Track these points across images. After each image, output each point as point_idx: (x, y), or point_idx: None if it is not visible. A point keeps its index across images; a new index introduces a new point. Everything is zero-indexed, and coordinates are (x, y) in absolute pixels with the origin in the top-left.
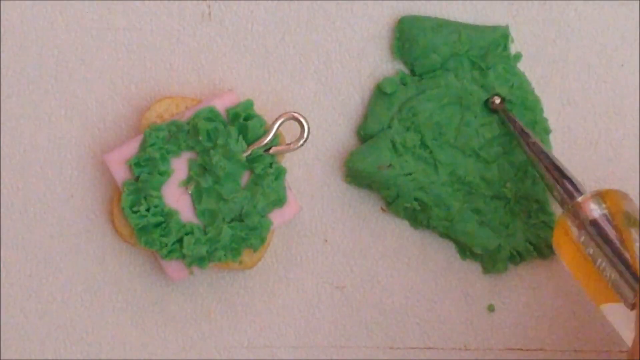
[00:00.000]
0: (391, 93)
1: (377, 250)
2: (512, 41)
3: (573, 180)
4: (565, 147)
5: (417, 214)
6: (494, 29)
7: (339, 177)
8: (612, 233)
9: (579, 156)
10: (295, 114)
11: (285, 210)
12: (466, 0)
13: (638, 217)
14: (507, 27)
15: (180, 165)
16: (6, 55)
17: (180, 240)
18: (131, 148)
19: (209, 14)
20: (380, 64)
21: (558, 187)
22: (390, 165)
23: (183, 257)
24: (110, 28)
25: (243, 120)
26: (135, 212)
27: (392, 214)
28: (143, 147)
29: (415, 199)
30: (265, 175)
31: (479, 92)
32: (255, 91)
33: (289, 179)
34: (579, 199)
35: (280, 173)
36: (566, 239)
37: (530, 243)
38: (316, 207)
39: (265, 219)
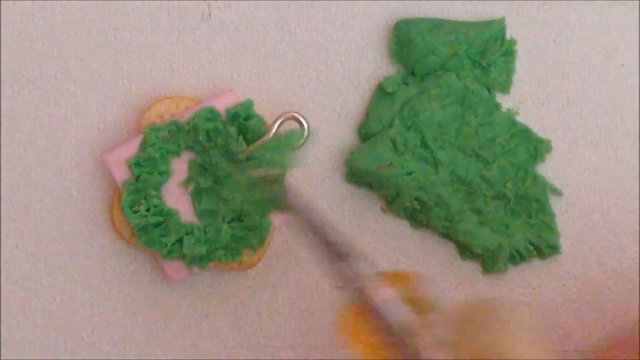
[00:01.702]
0: (392, 92)
1: (377, 250)
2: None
3: (363, 259)
4: (565, 147)
5: (417, 214)
6: (490, 23)
7: (339, 177)
8: (402, 316)
9: (579, 156)
10: (295, 114)
11: None
12: (466, 0)
13: (428, 301)
14: (503, 19)
15: (180, 165)
16: (6, 55)
17: (180, 240)
18: (131, 148)
19: (209, 14)
20: (380, 63)
21: (345, 266)
22: (390, 164)
23: (183, 257)
24: (110, 28)
25: (243, 120)
26: (135, 212)
27: (392, 214)
28: (143, 147)
29: (416, 199)
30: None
31: (481, 90)
32: (255, 91)
33: (289, 178)
34: (371, 281)
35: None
36: (356, 324)
37: (530, 243)
38: (316, 207)
39: (265, 219)
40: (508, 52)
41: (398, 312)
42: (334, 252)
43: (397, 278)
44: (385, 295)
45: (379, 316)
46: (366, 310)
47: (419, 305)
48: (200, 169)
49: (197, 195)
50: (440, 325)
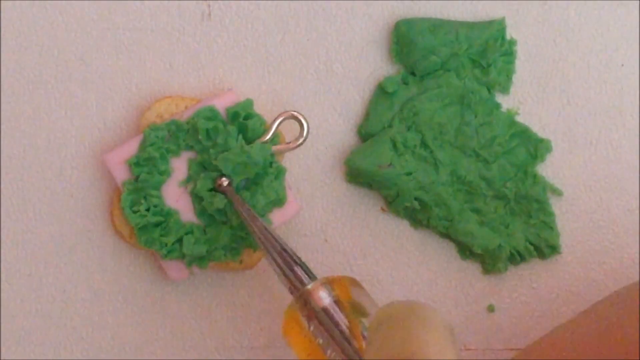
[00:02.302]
0: (393, 92)
1: (377, 250)
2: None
3: (303, 266)
4: (565, 147)
5: (417, 214)
6: (490, 23)
7: (339, 177)
8: (342, 321)
9: (579, 156)
10: (295, 113)
11: (285, 210)
12: (466, 0)
13: (366, 306)
14: (503, 19)
15: (180, 165)
16: (6, 55)
17: (180, 240)
18: (131, 148)
19: (209, 14)
20: (380, 63)
21: (288, 272)
22: (390, 164)
23: (183, 256)
24: (110, 28)
25: (243, 119)
26: (135, 212)
27: (392, 214)
28: (143, 146)
29: (416, 199)
30: (265, 174)
31: (481, 90)
32: (255, 91)
33: (289, 178)
34: (309, 286)
35: (280, 173)
36: (297, 329)
37: (530, 243)
38: (316, 207)
39: (265, 218)
40: (508, 52)
41: (335, 315)
42: (280, 258)
43: (332, 282)
44: (323, 300)
45: (317, 319)
46: (306, 314)
47: (352, 308)
48: (200, 168)
49: (196, 194)
50: (365, 328)
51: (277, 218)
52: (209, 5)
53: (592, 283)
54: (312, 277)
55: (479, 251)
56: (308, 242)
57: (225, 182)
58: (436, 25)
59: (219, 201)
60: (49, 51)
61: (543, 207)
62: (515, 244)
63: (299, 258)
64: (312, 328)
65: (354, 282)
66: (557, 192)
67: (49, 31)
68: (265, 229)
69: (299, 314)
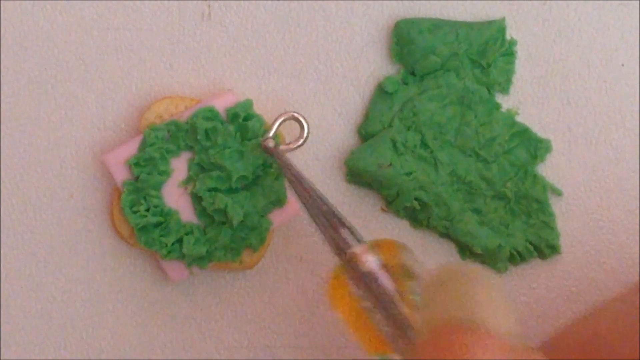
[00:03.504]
0: (392, 92)
1: None
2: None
3: (351, 229)
4: (565, 147)
5: (417, 214)
6: (490, 23)
7: (339, 177)
8: (388, 285)
9: (579, 156)
10: (295, 114)
11: (285, 210)
12: (466, 0)
13: (414, 269)
14: (503, 19)
15: (179, 165)
16: (6, 55)
17: (180, 240)
18: (131, 148)
19: (209, 14)
20: (380, 63)
21: (334, 235)
22: (390, 164)
23: (183, 257)
24: (110, 28)
25: (242, 120)
26: (135, 212)
27: (392, 214)
28: (142, 147)
29: (416, 199)
30: (265, 175)
31: (481, 90)
32: (255, 91)
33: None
34: (356, 249)
35: (280, 173)
36: (342, 291)
37: (530, 243)
38: None
39: (265, 219)
40: (508, 52)
41: (381, 279)
42: (325, 220)
43: (380, 246)
44: (369, 263)
45: (363, 283)
46: (352, 277)
47: (400, 272)
48: (199, 168)
49: (196, 194)
50: (416, 291)
51: (277, 218)
52: (209, 5)
53: (592, 283)
54: (359, 240)
55: (479, 251)
56: (308, 242)
57: (271, 142)
58: (436, 25)
59: (219, 201)
60: (49, 51)
61: (543, 207)
62: (515, 244)
63: (348, 220)
64: (358, 291)
65: (403, 247)
66: (557, 192)
67: (49, 31)
68: (313, 189)
69: (345, 277)
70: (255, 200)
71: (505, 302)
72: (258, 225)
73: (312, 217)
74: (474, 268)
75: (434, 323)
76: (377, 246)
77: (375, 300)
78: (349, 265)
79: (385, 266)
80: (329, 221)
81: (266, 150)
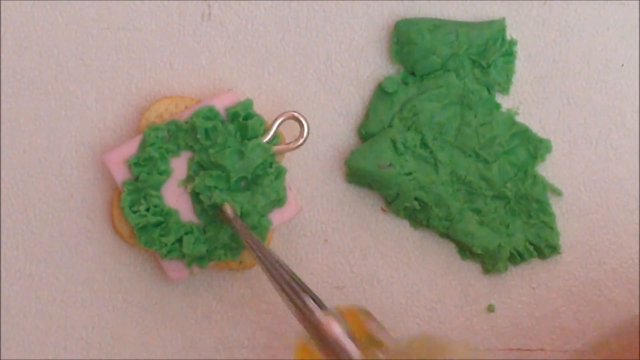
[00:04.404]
0: (392, 92)
1: (377, 250)
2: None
3: (313, 296)
4: (565, 147)
5: (417, 214)
6: (491, 24)
7: (339, 177)
8: (355, 354)
9: (579, 156)
10: (295, 114)
11: (285, 210)
12: (466, 0)
13: (380, 337)
14: (503, 19)
15: (179, 165)
16: (6, 55)
17: (179, 240)
18: (131, 148)
19: (209, 14)
20: (380, 63)
21: (297, 302)
22: (390, 164)
23: (183, 256)
24: (110, 28)
25: (243, 119)
26: (135, 212)
27: (392, 214)
28: (142, 146)
29: (416, 199)
30: (265, 175)
31: (481, 90)
32: (255, 91)
33: (289, 179)
34: (321, 317)
35: (280, 173)
36: (310, 358)
37: (530, 243)
38: (316, 207)
39: (265, 218)
40: (508, 52)
41: (347, 347)
42: (290, 288)
43: (344, 313)
44: (336, 331)
45: (331, 351)
46: (319, 345)
47: (366, 340)
48: (199, 168)
49: (196, 194)
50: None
51: (277, 218)
52: (209, 5)
53: (592, 283)
54: (322, 306)
55: (479, 251)
56: (308, 242)
57: (229, 209)
58: (436, 25)
59: (217, 195)
60: (49, 51)
61: (543, 207)
62: (515, 244)
63: (308, 287)
64: (323, 357)
65: (367, 313)
66: (557, 192)
67: (49, 31)
68: (272, 256)
69: (311, 344)
70: (255, 200)
71: None
72: (258, 225)
73: (275, 283)
74: (443, 342)
75: None
76: (341, 314)
77: None
78: (316, 333)
79: (351, 333)
80: (291, 288)
81: (224, 216)
